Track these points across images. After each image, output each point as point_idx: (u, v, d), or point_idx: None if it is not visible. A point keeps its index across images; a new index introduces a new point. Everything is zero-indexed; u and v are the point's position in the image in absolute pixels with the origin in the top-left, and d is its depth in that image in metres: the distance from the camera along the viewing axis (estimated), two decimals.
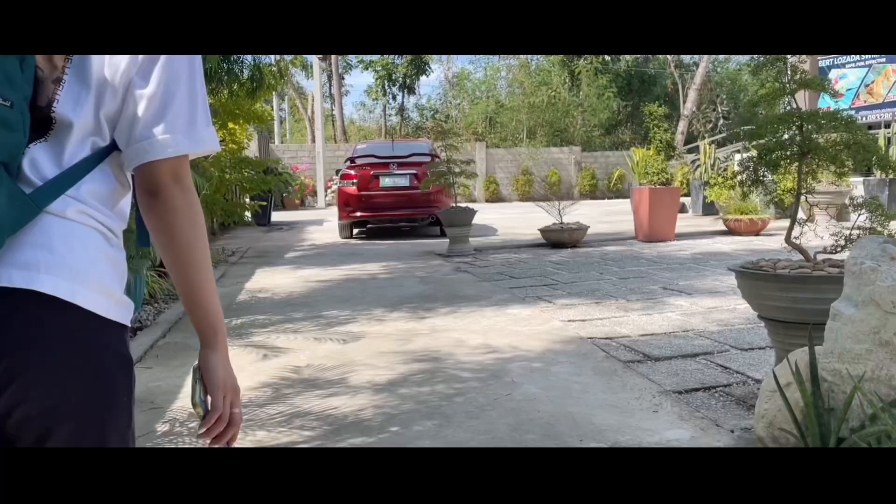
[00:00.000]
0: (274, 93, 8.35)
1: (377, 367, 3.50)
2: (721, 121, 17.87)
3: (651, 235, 8.52)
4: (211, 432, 1.03)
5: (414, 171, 10.46)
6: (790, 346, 2.64)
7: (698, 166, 16.19)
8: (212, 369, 1.03)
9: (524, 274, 6.37)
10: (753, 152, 2.76)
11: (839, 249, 2.70)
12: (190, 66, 0.97)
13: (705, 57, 18.27)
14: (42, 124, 0.88)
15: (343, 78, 30.58)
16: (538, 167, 25.48)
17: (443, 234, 11.14)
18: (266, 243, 10.49)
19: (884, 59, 12.76)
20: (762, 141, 2.76)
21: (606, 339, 3.87)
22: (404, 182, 10.40)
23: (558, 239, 8.24)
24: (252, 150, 18.10)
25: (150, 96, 0.92)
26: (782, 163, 2.63)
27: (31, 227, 0.84)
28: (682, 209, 15.07)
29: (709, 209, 13.57)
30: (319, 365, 3.58)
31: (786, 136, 2.67)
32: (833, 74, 13.71)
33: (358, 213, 10.32)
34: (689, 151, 17.65)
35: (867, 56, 13.23)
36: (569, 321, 4.34)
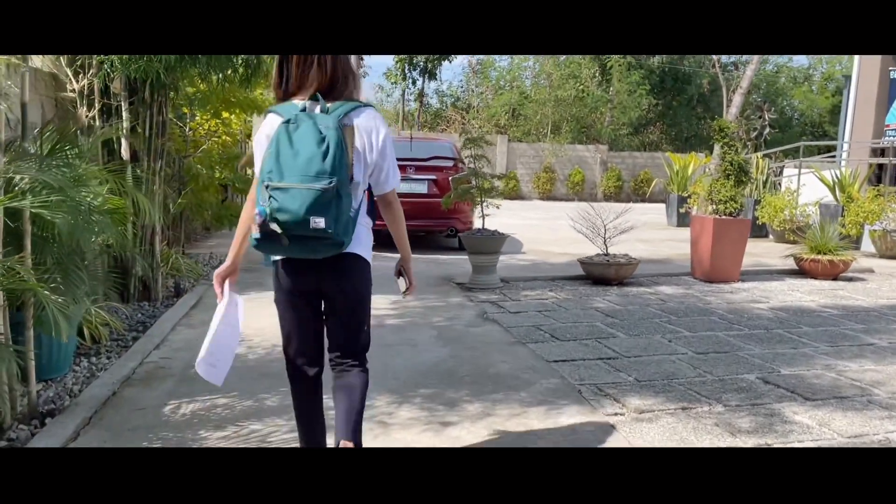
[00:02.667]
0: None
1: None
2: (767, 129, 16.34)
3: (712, 274, 7.15)
4: (409, 292, 2.59)
5: (433, 177, 9.12)
6: None
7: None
8: (408, 269, 2.58)
9: (570, 332, 5.03)
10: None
11: None
12: (392, 144, 2.34)
13: (756, 57, 16.74)
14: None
15: (363, 59, 29.13)
16: (561, 165, 24.04)
17: (461, 247, 9.83)
18: None
19: None
20: None
21: None
22: (422, 189, 9.06)
23: (602, 275, 6.89)
24: None
25: (384, 165, 2.30)
26: None
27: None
28: None
29: (758, 230, 12.17)
30: None
31: None
32: None
33: None
34: None
35: None
36: None
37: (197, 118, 8.38)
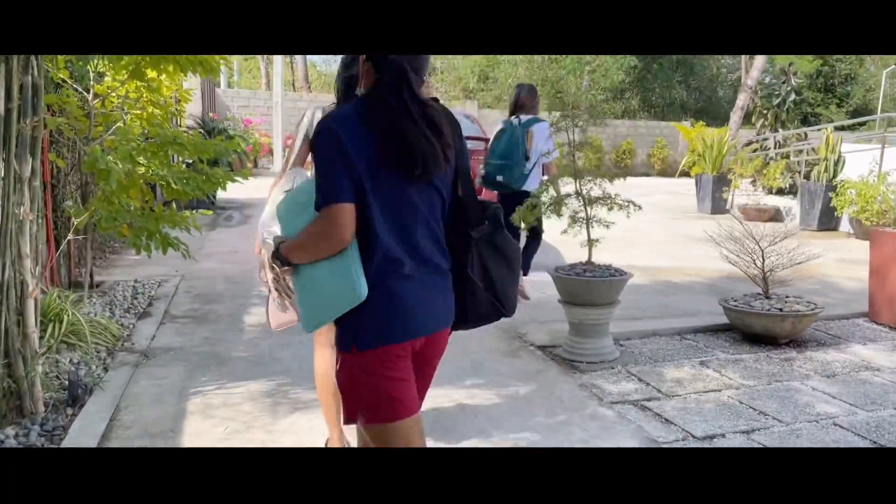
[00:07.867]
0: None
1: None
2: (793, 97, 14.19)
3: None
4: None
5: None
6: None
7: (792, 161, 12.57)
8: (557, 189, 4.85)
9: None
10: None
11: None
12: (550, 136, 4.93)
13: None
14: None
15: None
16: None
17: None
18: (209, 265, 6.35)
19: None
20: None
21: None
22: None
23: (768, 330, 4.41)
24: (194, 98, 13.58)
25: (549, 149, 5.00)
26: None
27: None
28: (776, 217, 11.46)
29: (826, 222, 10.02)
30: None
31: None
32: None
33: None
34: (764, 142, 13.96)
35: None
36: None
37: (107, 80, 5.43)
